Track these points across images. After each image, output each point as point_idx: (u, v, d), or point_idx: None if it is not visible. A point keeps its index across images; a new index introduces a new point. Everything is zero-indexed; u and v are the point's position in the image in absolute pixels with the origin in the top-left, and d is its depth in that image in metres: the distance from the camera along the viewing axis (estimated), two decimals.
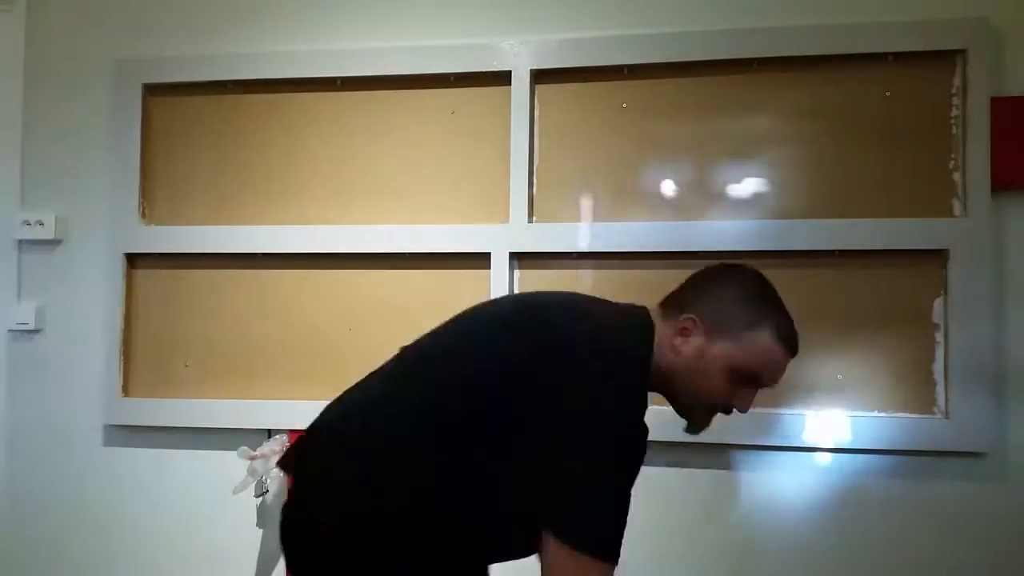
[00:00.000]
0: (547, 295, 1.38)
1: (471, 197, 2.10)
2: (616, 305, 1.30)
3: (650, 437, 1.97)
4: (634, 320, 1.25)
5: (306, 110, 2.17)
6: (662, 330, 1.25)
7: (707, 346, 1.22)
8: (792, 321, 1.26)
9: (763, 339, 1.22)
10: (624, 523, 1.14)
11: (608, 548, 1.10)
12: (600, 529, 1.10)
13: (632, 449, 1.17)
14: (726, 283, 1.28)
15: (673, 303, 1.28)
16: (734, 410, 1.29)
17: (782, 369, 1.26)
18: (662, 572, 1.98)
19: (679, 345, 1.23)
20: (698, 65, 2.00)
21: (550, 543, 1.08)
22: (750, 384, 1.25)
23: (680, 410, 1.30)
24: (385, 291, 2.12)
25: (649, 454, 1.87)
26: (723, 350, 1.22)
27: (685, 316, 1.23)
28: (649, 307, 1.30)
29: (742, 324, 1.22)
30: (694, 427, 1.32)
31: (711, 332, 1.22)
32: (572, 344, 1.16)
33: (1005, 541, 1.88)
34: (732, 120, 2.00)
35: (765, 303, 1.25)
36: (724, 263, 1.37)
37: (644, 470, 1.93)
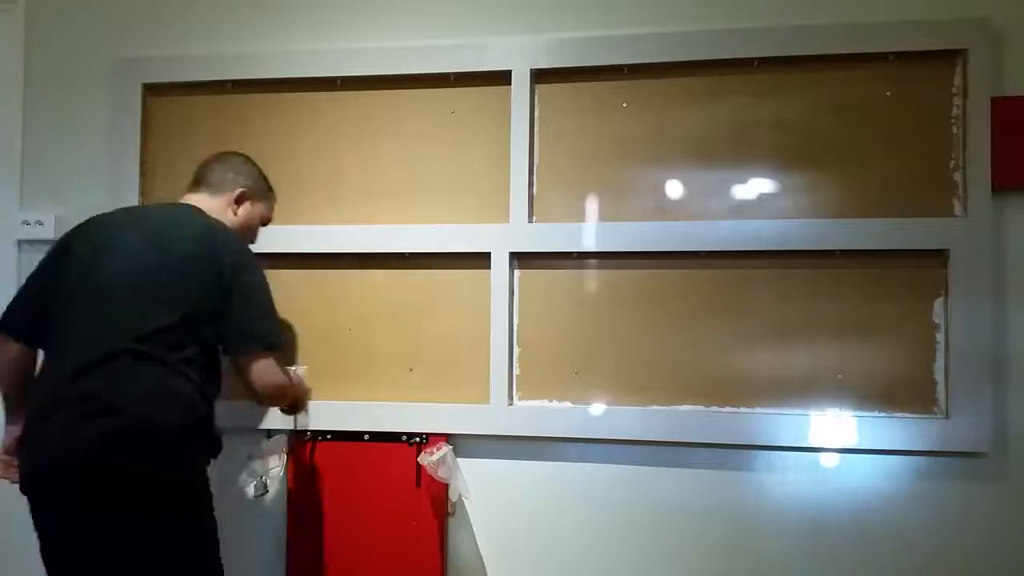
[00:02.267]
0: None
1: (471, 197, 2.10)
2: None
3: (651, 437, 1.98)
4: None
5: (306, 110, 2.17)
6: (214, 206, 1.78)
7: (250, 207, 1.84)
8: None
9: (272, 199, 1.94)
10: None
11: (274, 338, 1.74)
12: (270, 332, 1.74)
13: None
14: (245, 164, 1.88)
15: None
16: None
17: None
18: (663, 572, 1.98)
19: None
20: (698, 65, 2.00)
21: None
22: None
23: None
24: (385, 291, 2.12)
25: (649, 454, 1.88)
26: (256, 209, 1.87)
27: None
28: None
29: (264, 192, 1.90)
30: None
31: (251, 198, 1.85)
32: None
33: (1005, 540, 1.89)
34: (732, 120, 2.00)
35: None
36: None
37: (644, 470, 1.94)
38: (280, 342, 1.72)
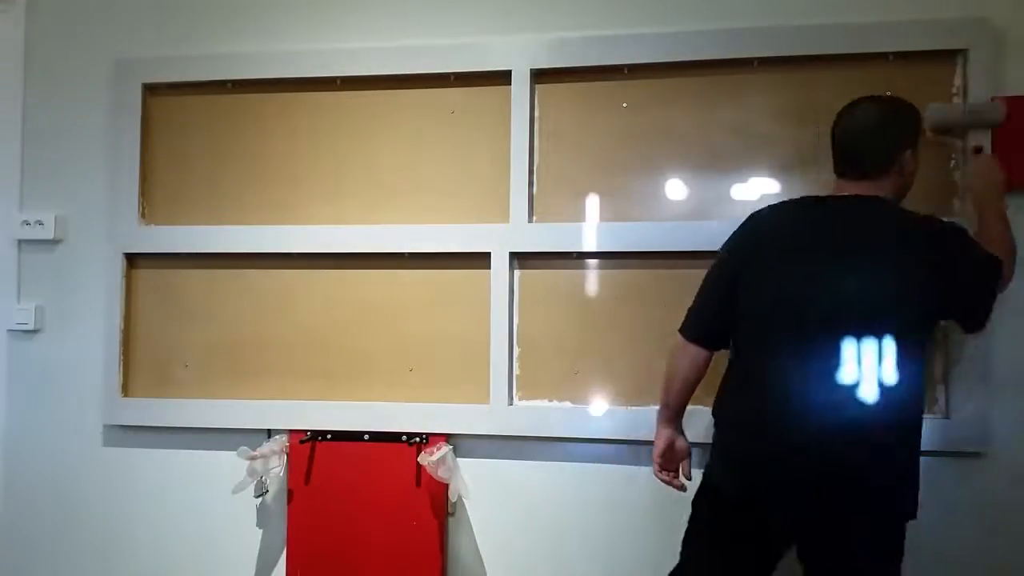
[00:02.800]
0: None
1: (471, 197, 2.10)
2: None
3: (652, 438, 1.97)
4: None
5: (306, 110, 2.17)
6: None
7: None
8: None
9: None
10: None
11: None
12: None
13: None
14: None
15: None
16: None
17: None
18: (662, 571, 1.98)
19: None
20: (698, 64, 2.00)
21: None
22: None
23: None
24: (385, 291, 2.12)
25: (649, 454, 1.87)
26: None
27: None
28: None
29: None
30: None
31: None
32: None
33: (1005, 540, 1.88)
34: (732, 120, 2.00)
35: None
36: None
37: (644, 470, 1.93)
38: None
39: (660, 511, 1.99)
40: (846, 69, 1.95)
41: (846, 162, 1.63)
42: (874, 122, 1.61)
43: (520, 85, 2.05)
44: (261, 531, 2.15)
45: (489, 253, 2.05)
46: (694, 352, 1.67)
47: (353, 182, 2.14)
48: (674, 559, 1.99)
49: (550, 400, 2.05)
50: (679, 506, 1.97)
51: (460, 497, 2.04)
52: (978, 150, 1.85)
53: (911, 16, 1.93)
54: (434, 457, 1.95)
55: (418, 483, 2.04)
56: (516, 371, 2.06)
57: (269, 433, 2.12)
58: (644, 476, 1.99)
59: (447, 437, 2.06)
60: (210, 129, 2.21)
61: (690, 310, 1.70)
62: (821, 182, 1.95)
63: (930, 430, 1.85)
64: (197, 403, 2.15)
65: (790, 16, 1.98)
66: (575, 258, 2.05)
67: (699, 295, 1.69)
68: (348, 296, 2.14)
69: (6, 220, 2.28)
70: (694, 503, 1.69)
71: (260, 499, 2.13)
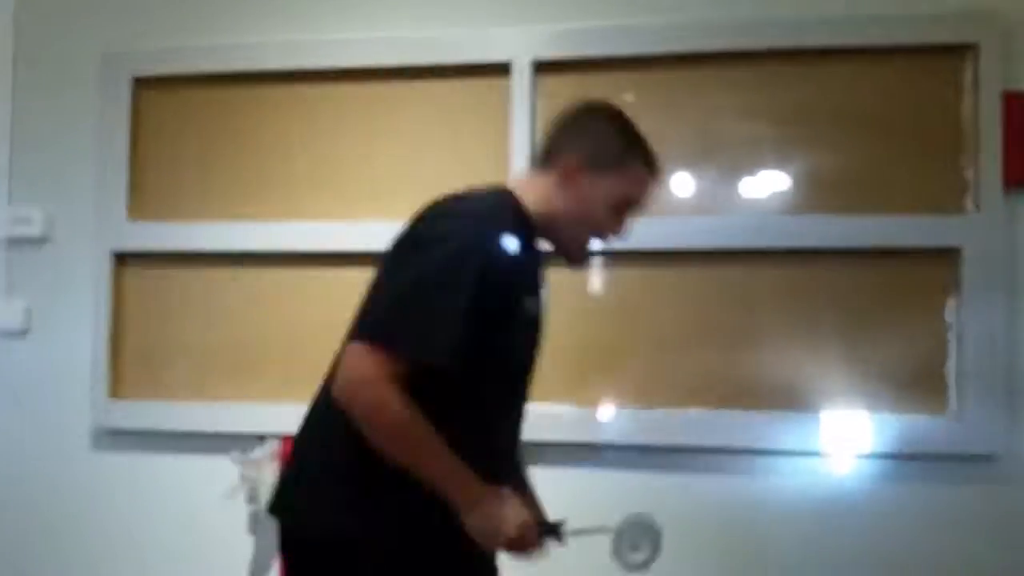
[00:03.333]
0: None
1: None
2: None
3: (652, 441, 1.94)
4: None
5: (300, 103, 2.13)
6: (538, 184, 1.33)
7: (589, 182, 1.30)
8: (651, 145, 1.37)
9: (635, 169, 1.33)
10: (433, 320, 1.19)
11: (377, 327, 1.23)
12: (380, 319, 1.25)
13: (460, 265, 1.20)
14: (590, 123, 1.36)
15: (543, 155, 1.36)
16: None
17: (650, 192, 1.38)
18: None
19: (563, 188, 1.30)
20: (704, 57, 1.97)
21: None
22: (625, 211, 1.35)
23: (562, 249, 1.37)
24: None
25: (653, 459, 1.84)
26: (602, 184, 1.30)
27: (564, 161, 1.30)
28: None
29: (614, 158, 1.31)
30: (576, 262, 1.41)
31: (589, 170, 1.30)
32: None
33: (1015, 543, 1.86)
34: (739, 114, 1.96)
35: (631, 136, 1.35)
36: (583, 103, 1.40)
37: (648, 476, 1.91)
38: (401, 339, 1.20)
39: (661, 515, 1.95)
40: (856, 62, 1.93)
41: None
42: (580, 117, 1.39)
43: (521, 78, 2.01)
44: (253, 537, 2.11)
45: None
46: None
47: (348, 177, 2.11)
48: (675, 563, 1.95)
49: (552, 403, 2.01)
50: (683, 509, 1.94)
51: None
52: None
53: (921, 10, 1.91)
54: None
55: None
56: None
57: (261, 438, 2.08)
58: (652, 481, 1.96)
59: None
60: (202, 123, 2.17)
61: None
62: (830, 178, 1.93)
63: (942, 432, 1.85)
64: (188, 406, 2.12)
65: (799, 8, 1.95)
66: None
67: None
68: (343, 296, 2.09)
69: None
70: None
71: (252, 504, 2.09)
